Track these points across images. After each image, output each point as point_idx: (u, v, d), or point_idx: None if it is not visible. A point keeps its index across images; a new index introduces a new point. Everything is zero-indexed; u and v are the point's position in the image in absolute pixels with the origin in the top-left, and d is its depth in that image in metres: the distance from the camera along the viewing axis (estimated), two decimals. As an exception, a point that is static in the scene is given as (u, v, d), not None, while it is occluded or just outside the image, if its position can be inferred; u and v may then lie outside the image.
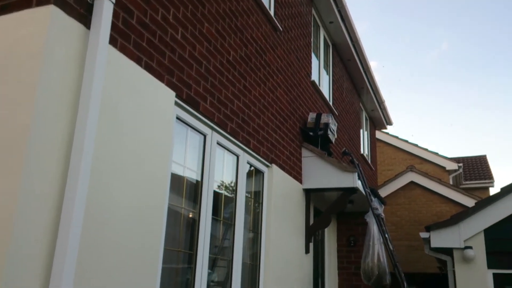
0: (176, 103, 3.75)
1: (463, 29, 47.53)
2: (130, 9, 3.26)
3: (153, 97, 3.39)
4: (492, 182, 17.74)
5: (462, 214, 7.43)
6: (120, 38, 3.14)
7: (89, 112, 2.68)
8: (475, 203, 7.76)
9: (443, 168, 15.76)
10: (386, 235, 6.04)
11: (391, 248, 6.01)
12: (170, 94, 3.61)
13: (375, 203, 6.24)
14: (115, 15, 3.10)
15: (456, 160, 16.76)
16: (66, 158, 2.63)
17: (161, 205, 3.38)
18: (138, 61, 3.28)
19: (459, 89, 53.48)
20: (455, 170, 15.69)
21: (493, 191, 18.20)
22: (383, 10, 56.72)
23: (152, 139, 3.34)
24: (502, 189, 7.23)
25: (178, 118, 3.83)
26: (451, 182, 15.56)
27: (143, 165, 3.22)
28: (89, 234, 2.70)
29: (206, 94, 4.15)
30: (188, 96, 3.87)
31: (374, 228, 6.11)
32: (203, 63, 4.13)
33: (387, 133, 16.28)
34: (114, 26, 3.07)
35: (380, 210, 6.31)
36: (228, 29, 4.66)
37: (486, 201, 7.30)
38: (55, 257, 2.47)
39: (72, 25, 2.76)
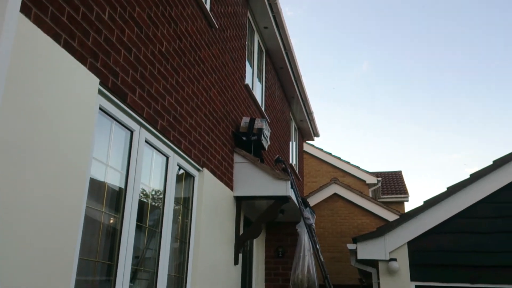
0: (100, 92, 3.27)
1: (383, 48, 50.41)
2: (50, -24, 2.77)
3: (73, 81, 2.90)
4: (407, 197, 18.61)
5: (387, 226, 7.49)
6: (35, 8, 2.63)
7: (-11, 88, 2.16)
8: (400, 215, 7.90)
9: (364, 181, 16.24)
10: (317, 246, 5.87)
11: (322, 260, 5.85)
12: (94, 80, 3.13)
13: (307, 212, 6.07)
14: (30, -20, 2.60)
15: (376, 174, 17.38)
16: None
17: (78, 207, 2.88)
18: (55, 37, 2.79)
19: (378, 104, 56.49)
20: (374, 184, 16.22)
21: (407, 205, 19.11)
22: (309, 25, 58.64)
23: (70, 129, 2.85)
24: (425, 202, 7.40)
25: (101, 109, 3.35)
26: (370, 196, 16.06)
27: (57, 157, 2.71)
28: (-18, 241, 2.16)
29: (135, 85, 3.70)
30: (114, 85, 3.40)
31: (305, 238, 5.92)
32: (132, 50, 3.69)
33: (313, 145, 16.50)
34: (28, -7, 2.57)
35: (312, 220, 6.15)
36: (161, 17, 4.25)
37: (410, 214, 7.42)
38: None
39: (-27, -19, 2.23)
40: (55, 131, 2.71)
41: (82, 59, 3.01)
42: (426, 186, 57.40)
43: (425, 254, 7.27)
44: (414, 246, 7.28)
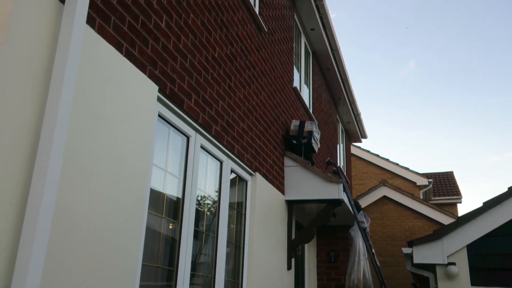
0: (159, 99, 3.32)
1: (430, 47, 48.96)
2: (111, -13, 2.84)
3: (134, 89, 2.95)
4: (460, 198, 17.91)
5: (445, 229, 7.22)
6: (99, 18, 2.70)
7: (61, 99, 2.22)
8: (458, 218, 7.58)
9: (414, 183, 15.77)
10: (373, 250, 5.72)
11: (378, 264, 5.69)
12: (153, 88, 3.18)
13: (361, 216, 5.93)
14: (94, -9, 2.67)
15: (426, 175, 16.84)
16: (32, 153, 2.15)
17: (140, 214, 2.92)
18: (118, 46, 2.85)
19: (427, 105, 54.88)
20: (425, 186, 15.72)
21: (460, 207, 18.41)
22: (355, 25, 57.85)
23: (132, 138, 2.89)
24: (484, 203, 7.08)
25: (160, 115, 3.39)
26: (421, 198, 15.57)
27: (121, 167, 2.76)
28: (56, 246, 2.21)
29: (191, 91, 3.74)
30: (172, 92, 3.44)
31: (359, 242, 5.79)
32: (188, 57, 3.72)
33: (359, 147, 16.20)
34: (92, 4, 2.64)
35: (366, 223, 6.01)
36: (213, 23, 4.28)
37: (469, 216, 7.12)
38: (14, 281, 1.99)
39: (43, -4, 2.31)
40: (117, 138, 2.75)
41: (142, 67, 3.06)
42: (479, 187, 55.26)
43: (486, 258, 6.95)
44: (474, 249, 6.98)
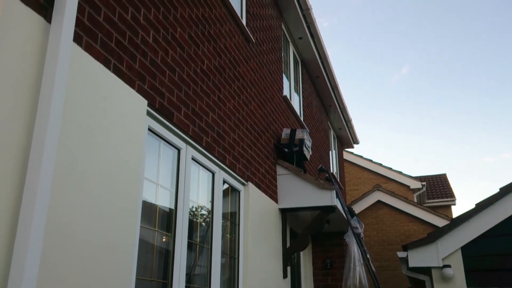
0: (148, 113, 3.35)
1: (423, 51, 49.37)
2: (97, 4, 2.87)
3: (123, 105, 2.98)
4: (454, 200, 18.00)
5: (439, 231, 7.25)
6: (86, 36, 2.73)
7: (50, 117, 2.24)
8: (451, 220, 7.64)
9: (407, 187, 15.84)
10: (368, 256, 5.74)
11: (373, 269, 5.71)
12: (142, 102, 3.20)
13: (354, 222, 5.95)
14: (80, 10, 2.71)
15: (419, 179, 16.92)
16: (22, 170, 2.16)
17: (133, 228, 2.93)
18: (106, 63, 2.88)
19: (418, 107, 55.26)
20: (419, 189, 15.79)
21: (454, 209, 18.48)
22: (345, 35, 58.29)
23: (123, 152, 2.91)
24: (477, 204, 7.13)
25: (150, 129, 3.42)
26: (415, 201, 15.63)
27: (112, 182, 2.78)
28: (49, 262, 2.22)
29: (180, 104, 3.77)
30: (161, 106, 3.47)
31: (354, 248, 5.81)
32: (176, 70, 3.76)
33: (352, 153, 16.27)
34: (78, 22, 2.67)
35: (360, 229, 6.04)
36: (201, 36, 4.32)
37: (462, 218, 7.16)
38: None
39: (29, 15, 2.34)
40: (107, 154, 2.77)
41: (130, 82, 3.09)
42: (475, 188, 55.52)
43: (481, 259, 6.98)
44: (469, 251, 7.00)
